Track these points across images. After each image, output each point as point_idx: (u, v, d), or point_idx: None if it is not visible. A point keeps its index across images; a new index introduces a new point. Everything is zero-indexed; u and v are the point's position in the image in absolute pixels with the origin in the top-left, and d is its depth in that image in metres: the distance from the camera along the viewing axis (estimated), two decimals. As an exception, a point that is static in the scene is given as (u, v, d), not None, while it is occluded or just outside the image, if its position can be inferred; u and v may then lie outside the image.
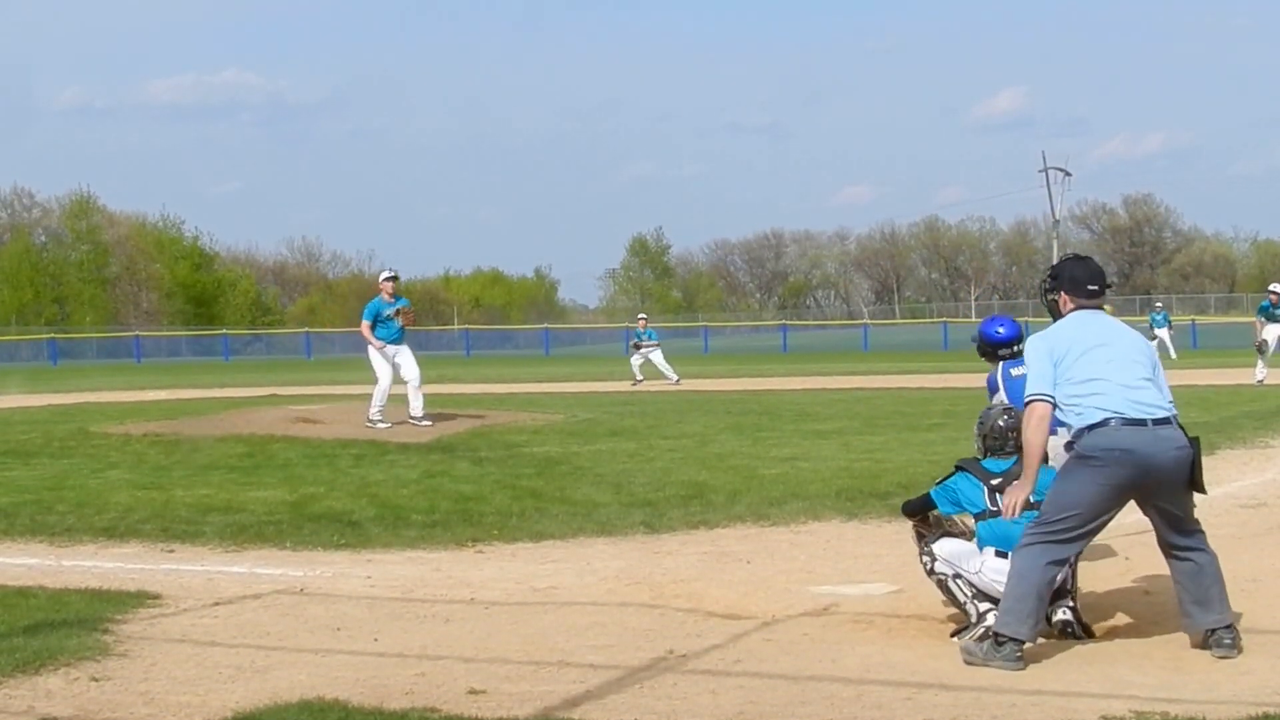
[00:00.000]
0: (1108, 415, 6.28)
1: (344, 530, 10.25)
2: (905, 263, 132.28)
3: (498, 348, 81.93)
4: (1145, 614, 7.24)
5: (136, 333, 79.26)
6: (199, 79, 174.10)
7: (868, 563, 8.89)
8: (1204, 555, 6.50)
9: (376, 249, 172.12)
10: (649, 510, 10.91)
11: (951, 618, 7.12)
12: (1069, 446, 6.47)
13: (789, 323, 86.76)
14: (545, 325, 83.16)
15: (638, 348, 33.17)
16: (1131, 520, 10.08)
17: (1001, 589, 6.52)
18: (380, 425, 17.67)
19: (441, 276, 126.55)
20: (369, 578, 8.72)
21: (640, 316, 40.34)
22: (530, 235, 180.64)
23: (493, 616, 7.58)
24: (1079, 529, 6.32)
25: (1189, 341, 54.35)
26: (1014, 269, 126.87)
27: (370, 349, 18.12)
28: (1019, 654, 6.24)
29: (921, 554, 7.15)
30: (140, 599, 7.99)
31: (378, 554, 9.52)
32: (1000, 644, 6.24)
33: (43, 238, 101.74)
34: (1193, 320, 61.94)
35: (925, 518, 7.36)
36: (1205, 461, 13.74)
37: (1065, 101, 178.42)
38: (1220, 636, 6.36)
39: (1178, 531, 6.47)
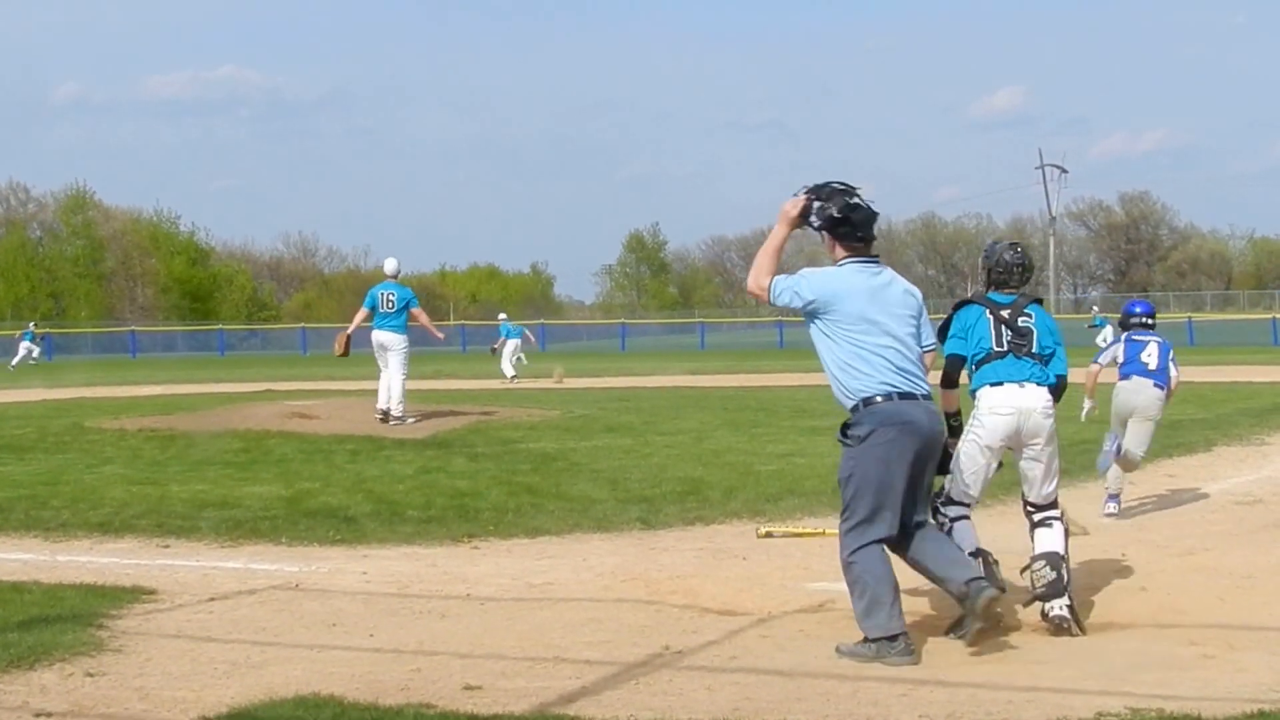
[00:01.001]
0: (888, 390, 6.47)
1: (340, 526, 10.23)
2: (902, 259, 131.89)
3: (493, 343, 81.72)
4: (1142, 610, 7.23)
5: (132, 328, 79.04)
6: (197, 75, 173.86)
7: (864, 559, 8.85)
8: (930, 526, 6.75)
9: (373, 244, 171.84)
10: (645, 506, 10.89)
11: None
12: (844, 430, 6.58)
13: (785, 319, 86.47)
14: (541, 321, 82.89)
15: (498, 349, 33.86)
16: (1129, 518, 10.15)
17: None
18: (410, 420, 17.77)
19: (438, 272, 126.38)
20: (365, 573, 8.69)
21: (501, 315, 41.04)
22: (526, 231, 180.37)
23: (488, 612, 7.55)
24: (884, 508, 6.45)
25: (1185, 339, 54.18)
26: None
27: (409, 341, 18.18)
28: (909, 647, 6.37)
29: (937, 513, 7.10)
30: (135, 594, 7.95)
31: (373, 550, 9.49)
32: (892, 640, 6.35)
33: (38, 232, 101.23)
34: (1188, 318, 61.84)
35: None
36: (1202, 458, 13.84)
37: (1063, 100, 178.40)
38: (979, 584, 6.42)
39: (916, 510, 6.63)
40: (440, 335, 20.15)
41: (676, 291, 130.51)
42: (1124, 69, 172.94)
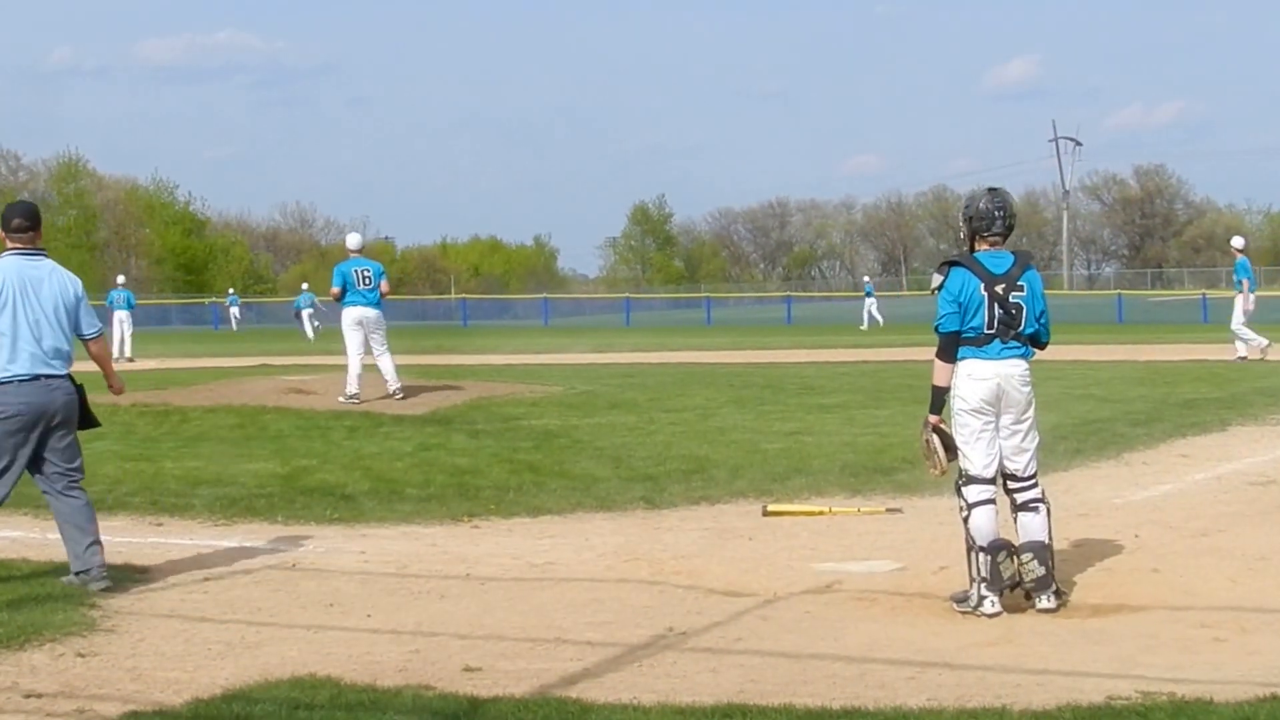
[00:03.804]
0: (12, 376, 7.41)
1: (337, 504, 10.17)
2: (912, 233, 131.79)
3: (496, 318, 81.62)
4: (1154, 593, 7.16)
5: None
6: (194, 40, 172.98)
7: (871, 540, 8.79)
8: (77, 496, 7.72)
9: (371, 215, 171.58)
10: (649, 485, 10.80)
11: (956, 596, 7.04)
12: None
13: (793, 294, 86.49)
14: (544, 295, 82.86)
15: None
16: (1141, 498, 10.05)
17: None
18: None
19: (439, 244, 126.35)
20: (362, 552, 8.62)
21: (304, 285, 41.16)
22: (529, 202, 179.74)
23: (489, 593, 7.50)
24: (8, 473, 7.51)
25: (1199, 316, 53.53)
26: (1024, 240, 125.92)
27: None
28: (103, 575, 7.46)
29: (958, 494, 7.05)
30: (128, 573, 7.93)
31: (371, 528, 9.43)
32: (86, 572, 7.45)
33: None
34: (1203, 294, 61.15)
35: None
36: (1216, 438, 13.76)
37: (1079, 71, 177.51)
38: (85, 576, 7.43)
39: (57, 472, 7.66)
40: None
41: (682, 265, 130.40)
42: (1140, 39, 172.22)
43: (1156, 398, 17.15)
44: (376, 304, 17.75)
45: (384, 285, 17.85)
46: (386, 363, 17.71)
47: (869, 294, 53.04)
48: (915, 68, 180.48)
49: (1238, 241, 25.31)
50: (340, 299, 17.69)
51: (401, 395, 17.51)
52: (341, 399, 17.30)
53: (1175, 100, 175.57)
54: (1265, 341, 23.45)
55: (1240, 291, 23.83)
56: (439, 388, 19.00)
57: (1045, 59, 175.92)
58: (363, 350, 17.55)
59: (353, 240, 18.58)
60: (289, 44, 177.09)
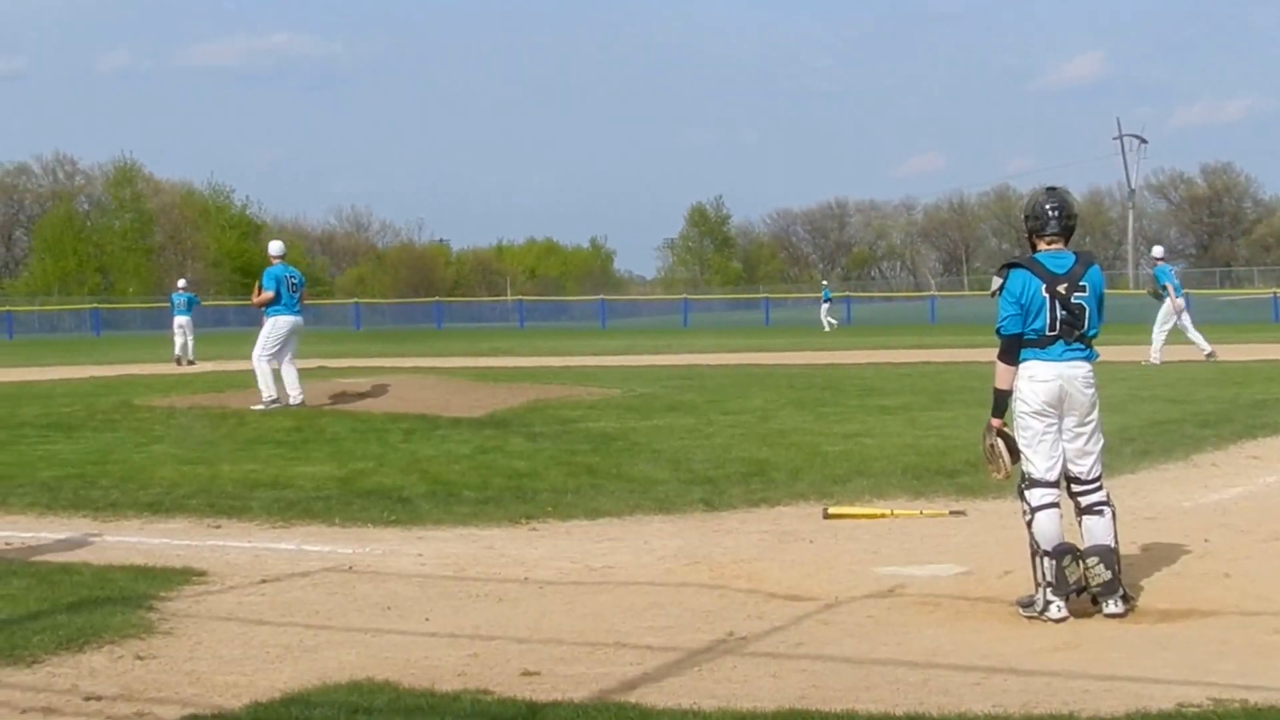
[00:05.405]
0: None
1: (394, 507, 10.16)
2: (974, 233, 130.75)
3: (552, 319, 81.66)
4: (1225, 597, 7.02)
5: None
6: (248, 42, 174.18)
7: (935, 543, 8.68)
8: None
9: (426, 218, 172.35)
10: (708, 488, 10.72)
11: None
12: None
13: (853, 294, 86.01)
14: (601, 296, 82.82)
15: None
16: (1211, 501, 9.87)
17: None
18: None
19: (494, 246, 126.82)
20: (420, 555, 8.61)
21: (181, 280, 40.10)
22: (586, 204, 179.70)
23: (547, 596, 7.46)
24: None
25: (1270, 315, 52.56)
26: (1087, 239, 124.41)
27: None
28: None
29: (1021, 498, 6.94)
30: (186, 576, 7.94)
31: (429, 531, 9.42)
32: None
33: (86, 205, 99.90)
34: (1274, 294, 60.18)
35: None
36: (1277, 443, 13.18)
37: (1144, 67, 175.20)
38: None
39: None
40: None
41: (740, 266, 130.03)
42: (1207, 34, 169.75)
43: (1226, 398, 16.88)
44: (300, 313, 17.65)
45: (303, 294, 17.79)
46: (293, 372, 17.37)
47: (826, 298, 54.90)
48: (977, 65, 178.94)
49: (1157, 250, 27.81)
50: (269, 305, 17.43)
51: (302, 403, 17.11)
52: (259, 407, 16.96)
53: (1243, 97, 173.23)
54: (1159, 356, 24.02)
55: (1172, 296, 24.75)
56: (359, 393, 18.76)
57: (1109, 55, 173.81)
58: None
59: (276, 247, 18.35)
60: (344, 46, 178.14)
